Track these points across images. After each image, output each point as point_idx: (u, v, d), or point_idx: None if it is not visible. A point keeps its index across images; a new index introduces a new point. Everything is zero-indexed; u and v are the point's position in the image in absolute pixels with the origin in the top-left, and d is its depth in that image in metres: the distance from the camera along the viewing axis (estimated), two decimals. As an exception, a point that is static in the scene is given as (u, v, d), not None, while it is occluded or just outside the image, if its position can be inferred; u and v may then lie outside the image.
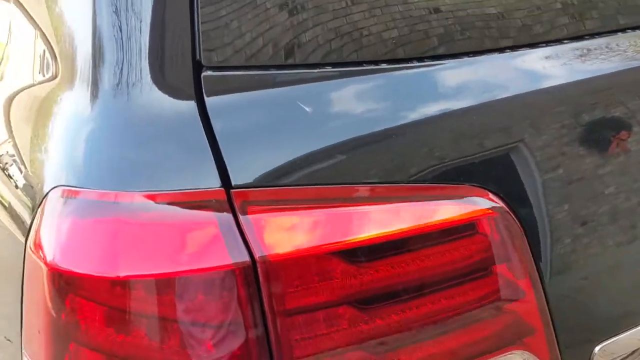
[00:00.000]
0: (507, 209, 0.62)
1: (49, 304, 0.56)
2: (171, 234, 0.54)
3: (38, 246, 0.57)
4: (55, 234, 0.56)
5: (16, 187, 0.71)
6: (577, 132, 0.71)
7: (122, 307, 0.54)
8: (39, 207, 0.59)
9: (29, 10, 0.82)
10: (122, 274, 0.53)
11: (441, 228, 0.60)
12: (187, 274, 0.53)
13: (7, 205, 0.72)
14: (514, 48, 0.70)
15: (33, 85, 0.77)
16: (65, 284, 0.55)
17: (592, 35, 0.76)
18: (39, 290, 0.57)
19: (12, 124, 0.78)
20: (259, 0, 0.61)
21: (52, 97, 0.67)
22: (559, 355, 0.68)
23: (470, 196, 0.61)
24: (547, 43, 0.72)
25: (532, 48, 0.71)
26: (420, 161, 0.62)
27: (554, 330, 0.67)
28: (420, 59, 0.65)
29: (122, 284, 0.53)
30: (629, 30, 0.79)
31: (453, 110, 0.64)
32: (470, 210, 0.61)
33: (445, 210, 0.60)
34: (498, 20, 0.72)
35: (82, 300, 0.54)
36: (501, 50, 0.70)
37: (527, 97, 0.68)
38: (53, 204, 0.57)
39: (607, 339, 0.72)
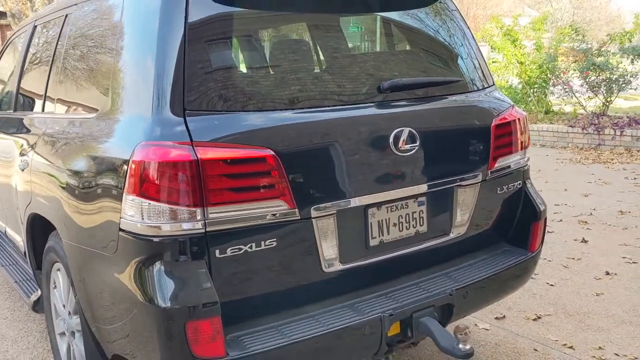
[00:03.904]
0: (276, 155, 2.04)
1: (145, 171, 1.95)
2: (174, 151, 1.94)
3: (135, 157, 1.97)
4: (143, 154, 1.96)
5: (113, 147, 2.12)
6: (312, 136, 2.16)
7: (161, 172, 1.93)
8: (134, 149, 1.98)
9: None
10: (158, 161, 1.92)
11: (255, 156, 2.02)
12: (176, 160, 1.93)
13: (109, 153, 2.12)
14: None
15: (108, 106, 2.21)
16: (148, 166, 1.94)
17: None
18: (137, 169, 1.96)
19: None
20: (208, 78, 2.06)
21: (124, 109, 2.11)
22: (296, 206, 2.09)
23: (264, 149, 2.04)
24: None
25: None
26: (251, 139, 2.05)
27: (293, 195, 2.08)
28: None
29: (154, 164, 1.92)
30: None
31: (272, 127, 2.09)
32: (264, 153, 2.03)
33: (258, 151, 2.02)
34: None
35: (150, 169, 1.94)
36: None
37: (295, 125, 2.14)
38: (140, 147, 1.97)
39: (320, 203, 2.13)
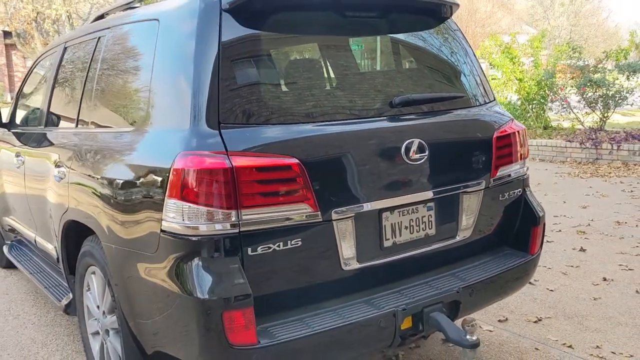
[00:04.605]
0: (301, 163, 2.28)
1: (186, 177, 2.18)
2: (211, 159, 2.18)
3: (176, 166, 2.20)
4: (183, 162, 2.19)
5: (153, 157, 2.36)
6: (332, 146, 2.40)
7: (199, 178, 2.16)
8: (175, 158, 2.22)
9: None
10: (197, 168, 2.16)
11: (283, 164, 2.25)
12: (213, 168, 2.16)
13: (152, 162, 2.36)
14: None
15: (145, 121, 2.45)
16: (188, 173, 2.17)
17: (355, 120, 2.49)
18: (178, 176, 2.19)
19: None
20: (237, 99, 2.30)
21: (168, 124, 2.35)
22: (319, 209, 2.32)
23: (291, 158, 2.27)
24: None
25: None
26: (279, 148, 2.28)
27: (316, 199, 2.32)
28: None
29: (194, 171, 2.16)
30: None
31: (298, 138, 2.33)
32: (290, 161, 2.26)
33: (285, 159, 2.26)
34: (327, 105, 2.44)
35: (190, 174, 2.17)
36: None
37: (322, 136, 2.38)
38: (181, 156, 2.21)
39: (340, 207, 2.37)
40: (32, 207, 3.87)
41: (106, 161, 2.75)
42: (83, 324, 3.24)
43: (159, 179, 2.29)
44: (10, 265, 5.20)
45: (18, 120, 4.60)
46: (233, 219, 2.17)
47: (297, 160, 2.27)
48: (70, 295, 3.40)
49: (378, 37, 2.99)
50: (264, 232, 2.23)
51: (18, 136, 4.31)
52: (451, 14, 3.04)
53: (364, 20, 2.80)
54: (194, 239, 2.18)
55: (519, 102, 13.02)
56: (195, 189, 2.16)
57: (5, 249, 4.85)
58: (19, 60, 32.76)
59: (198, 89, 2.27)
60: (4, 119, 4.60)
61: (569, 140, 10.72)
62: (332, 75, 2.74)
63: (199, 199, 2.16)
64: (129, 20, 3.02)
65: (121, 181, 2.55)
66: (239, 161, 2.18)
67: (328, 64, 2.76)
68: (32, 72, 4.60)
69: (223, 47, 2.31)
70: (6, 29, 30.49)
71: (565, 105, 11.94)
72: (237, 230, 2.18)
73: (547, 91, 12.27)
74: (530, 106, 12.76)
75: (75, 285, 3.26)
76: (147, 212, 2.35)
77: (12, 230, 4.72)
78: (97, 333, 3.10)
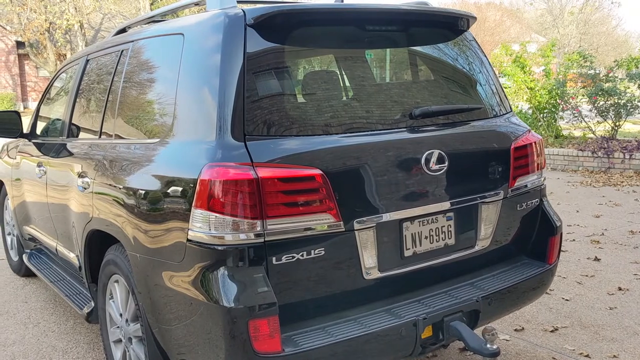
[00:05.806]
0: (324, 174, 2.33)
1: (212, 188, 2.23)
2: (237, 170, 2.23)
3: (203, 177, 2.25)
4: (210, 174, 2.24)
5: (179, 168, 2.41)
6: (356, 158, 2.44)
7: (226, 189, 2.22)
8: (201, 169, 2.27)
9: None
10: (224, 179, 2.21)
11: (306, 175, 2.30)
12: (239, 179, 2.21)
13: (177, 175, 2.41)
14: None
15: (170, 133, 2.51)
16: (214, 184, 2.23)
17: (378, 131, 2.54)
18: (204, 187, 2.25)
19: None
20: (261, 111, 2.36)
21: (194, 136, 2.40)
22: (341, 219, 2.36)
23: (314, 169, 2.32)
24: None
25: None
26: (302, 160, 2.33)
27: (339, 210, 2.36)
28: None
29: (220, 182, 2.21)
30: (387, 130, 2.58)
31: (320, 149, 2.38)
32: (313, 172, 2.31)
33: (309, 170, 2.30)
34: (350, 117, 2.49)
35: (217, 185, 2.22)
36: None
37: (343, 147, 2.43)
38: (207, 168, 2.26)
39: (362, 216, 2.41)
40: (54, 216, 3.94)
41: (131, 172, 2.80)
42: (105, 332, 3.29)
43: (186, 189, 2.34)
44: (28, 274, 5.28)
45: (38, 131, 4.68)
46: (258, 228, 2.22)
47: (320, 171, 2.32)
48: (92, 304, 3.45)
49: (397, 50, 3.04)
50: (288, 241, 2.28)
51: (39, 146, 4.39)
52: (468, 27, 3.09)
53: (383, 34, 2.85)
54: (220, 248, 2.22)
55: (530, 111, 13.02)
56: (221, 200, 2.21)
57: (25, 257, 4.92)
58: (31, 70, 33.13)
59: (224, 102, 2.32)
60: (25, 130, 4.67)
61: (581, 149, 10.71)
62: (352, 87, 2.79)
63: (225, 209, 2.20)
64: (153, 34, 3.09)
65: (147, 191, 2.61)
66: (264, 172, 2.23)
67: (348, 77, 2.81)
68: (52, 84, 4.68)
69: (248, 60, 2.37)
70: (19, 39, 30.88)
71: (576, 114, 11.94)
72: (262, 240, 2.23)
73: (558, 100, 12.26)
74: (542, 115, 12.76)
75: (97, 294, 3.31)
76: (173, 222, 2.40)
77: (32, 239, 4.79)
78: (119, 341, 3.15)
